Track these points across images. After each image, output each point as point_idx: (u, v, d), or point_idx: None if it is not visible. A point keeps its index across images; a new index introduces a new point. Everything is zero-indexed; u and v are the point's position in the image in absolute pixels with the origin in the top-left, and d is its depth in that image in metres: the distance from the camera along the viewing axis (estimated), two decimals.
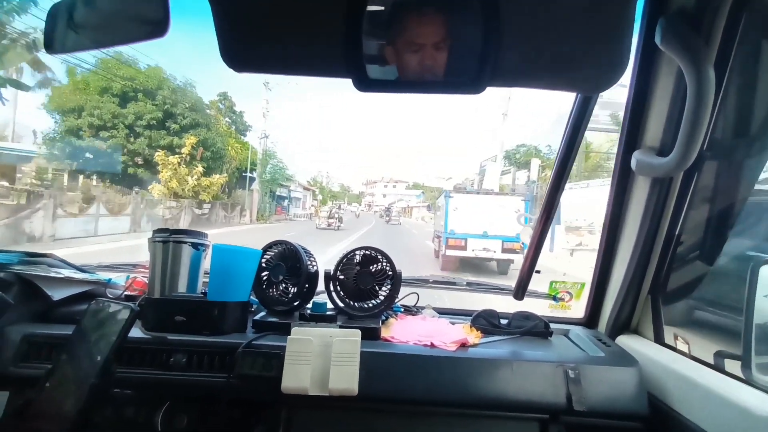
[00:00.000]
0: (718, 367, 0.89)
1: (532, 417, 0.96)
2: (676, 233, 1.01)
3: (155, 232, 1.10)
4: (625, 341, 1.12)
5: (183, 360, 0.97)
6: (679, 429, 0.87)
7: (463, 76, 0.60)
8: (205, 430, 0.97)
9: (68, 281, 1.13)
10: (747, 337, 0.86)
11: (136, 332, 0.98)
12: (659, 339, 1.07)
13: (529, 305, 1.27)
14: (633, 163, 0.99)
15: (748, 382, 0.80)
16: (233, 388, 0.94)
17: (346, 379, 0.91)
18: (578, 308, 1.32)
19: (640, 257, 1.05)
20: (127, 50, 13.13)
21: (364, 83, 0.58)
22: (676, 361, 0.95)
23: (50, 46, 0.77)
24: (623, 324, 1.15)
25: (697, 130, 0.78)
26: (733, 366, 0.87)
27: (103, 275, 1.29)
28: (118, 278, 1.30)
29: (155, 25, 0.66)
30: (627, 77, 1.01)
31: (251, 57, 0.60)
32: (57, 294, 1.09)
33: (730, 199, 0.95)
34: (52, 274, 1.11)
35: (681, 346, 1.03)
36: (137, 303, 0.97)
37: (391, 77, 0.63)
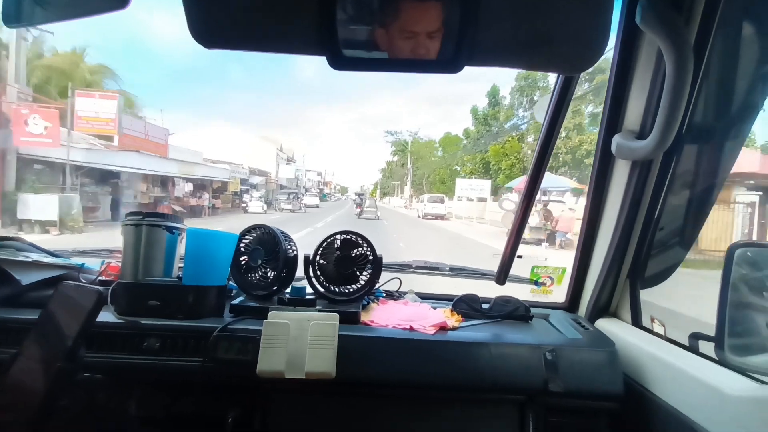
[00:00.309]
0: (693, 349, 0.90)
1: (510, 399, 0.97)
2: (655, 217, 1.01)
3: (128, 215, 1.07)
4: (603, 324, 1.13)
5: (157, 344, 0.95)
6: (653, 409, 0.88)
7: (441, 55, 0.58)
8: (181, 414, 0.96)
9: (38, 265, 1.10)
10: (721, 318, 0.86)
11: (108, 317, 0.96)
12: (636, 322, 1.08)
13: (512, 290, 1.27)
14: (613, 147, 0.99)
15: (722, 362, 0.81)
16: (208, 373, 0.93)
17: (322, 363, 0.90)
18: (561, 293, 1.33)
19: (619, 241, 1.06)
20: None
21: (339, 62, 0.56)
22: (651, 343, 0.96)
23: (9, 20, 0.74)
24: (602, 308, 1.16)
25: (676, 112, 0.78)
26: (708, 347, 0.88)
27: (78, 260, 1.25)
28: (94, 264, 1.27)
29: None
30: (609, 59, 1.00)
31: (221, 33, 0.57)
32: (26, 278, 1.06)
33: (708, 182, 0.95)
34: (21, 258, 1.08)
35: (657, 328, 1.04)
36: (110, 288, 0.95)
37: (366, 56, 0.61)
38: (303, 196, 26.33)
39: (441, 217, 18.81)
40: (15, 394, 0.79)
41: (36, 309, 0.98)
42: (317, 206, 25.18)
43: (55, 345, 0.80)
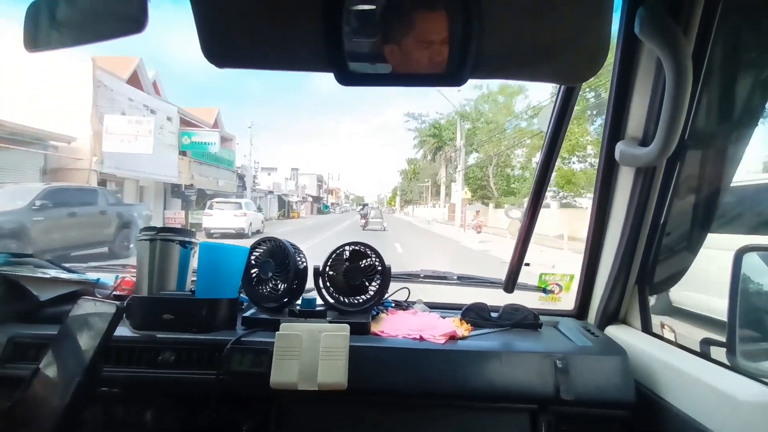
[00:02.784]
0: (704, 355, 0.90)
1: (522, 407, 0.97)
2: (661, 222, 1.02)
3: (142, 230, 1.10)
4: (613, 331, 1.12)
5: (172, 358, 0.97)
6: (665, 416, 0.87)
7: (446, 69, 0.60)
8: (196, 427, 0.97)
9: (55, 281, 1.12)
10: (731, 323, 0.86)
11: (124, 331, 0.98)
12: (646, 328, 1.08)
13: (520, 298, 1.28)
14: (617, 154, 1.00)
15: (734, 368, 0.81)
16: (223, 385, 0.94)
17: (334, 374, 0.91)
18: (569, 300, 1.33)
19: (626, 248, 1.06)
20: None
21: (346, 77, 0.57)
22: (662, 350, 0.96)
23: (30, 44, 0.77)
24: (611, 314, 1.16)
25: (677, 119, 0.79)
26: (719, 353, 0.88)
27: (93, 275, 1.28)
28: (108, 278, 1.29)
29: (133, 21, 0.66)
30: (610, 68, 1.02)
31: (232, 52, 0.59)
32: (44, 294, 1.09)
33: (713, 187, 0.96)
34: (39, 275, 1.11)
35: (668, 334, 1.04)
36: (125, 302, 0.97)
37: (374, 71, 0.62)
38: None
39: None
40: (36, 408, 0.81)
41: (53, 324, 1.00)
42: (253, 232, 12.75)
43: (74, 360, 0.82)
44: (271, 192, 27.06)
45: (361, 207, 25.76)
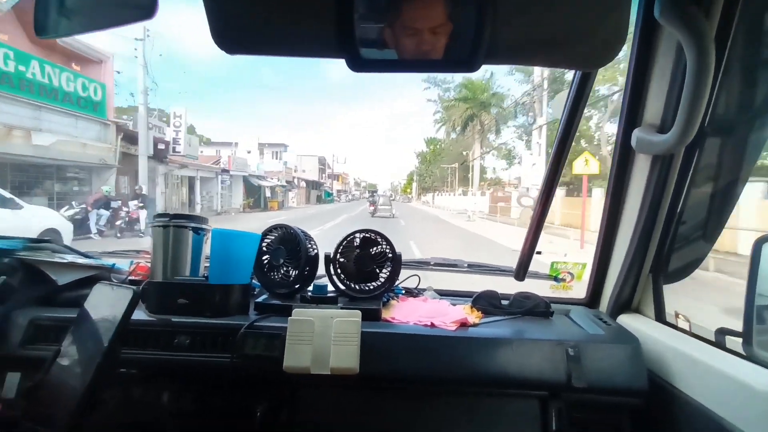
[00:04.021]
0: (719, 344, 0.89)
1: (533, 394, 0.97)
2: (677, 211, 1.00)
3: (156, 216, 1.11)
4: (626, 320, 1.12)
5: (187, 341, 0.99)
6: (678, 404, 0.87)
7: (459, 54, 0.59)
8: (211, 408, 0.99)
9: (72, 266, 1.15)
10: (748, 312, 0.85)
11: (140, 315, 1.00)
12: (660, 317, 1.07)
13: (531, 286, 1.27)
14: (633, 141, 0.98)
15: (749, 357, 0.80)
16: (237, 368, 0.96)
17: (346, 359, 0.92)
18: (581, 288, 1.32)
19: (641, 236, 1.05)
20: None
21: (358, 63, 0.57)
22: (676, 339, 0.96)
23: (41, 31, 0.77)
24: (624, 303, 1.15)
25: (698, 106, 0.77)
26: (735, 343, 0.87)
27: (108, 261, 1.31)
28: (123, 264, 1.32)
29: (143, 8, 0.66)
30: (627, 53, 0.99)
31: (243, 38, 0.59)
32: (62, 279, 1.11)
33: (732, 177, 0.93)
34: (56, 260, 1.13)
35: (682, 323, 1.03)
36: (141, 286, 0.99)
37: (385, 57, 0.62)
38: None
39: None
40: (57, 388, 0.83)
41: (72, 308, 1.03)
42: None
43: (93, 342, 0.84)
44: (225, 171, 20.10)
45: (369, 194, 24.93)
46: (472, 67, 0.56)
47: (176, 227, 1.09)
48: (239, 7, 0.56)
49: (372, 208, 18.74)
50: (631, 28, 0.96)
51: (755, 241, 0.87)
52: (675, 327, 1.02)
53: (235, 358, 0.96)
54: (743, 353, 0.82)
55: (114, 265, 1.28)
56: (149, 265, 1.22)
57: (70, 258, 1.17)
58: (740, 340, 0.85)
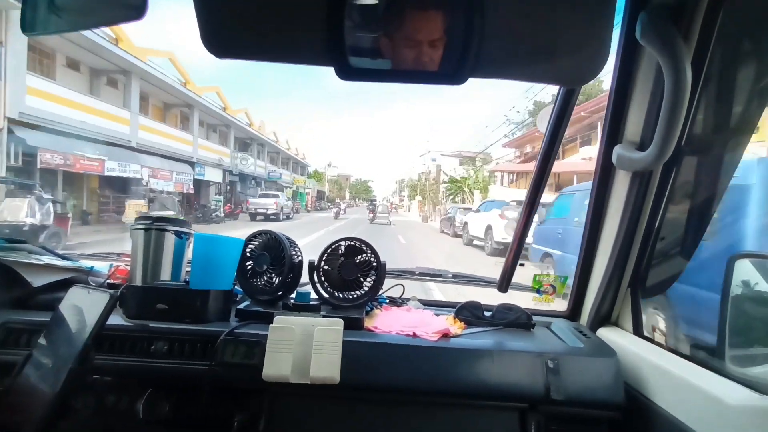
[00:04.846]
0: (694, 358, 0.91)
1: (512, 406, 0.98)
2: (655, 227, 1.02)
3: (137, 219, 1.09)
4: (605, 333, 1.13)
5: (165, 347, 0.97)
6: (653, 418, 0.88)
7: (446, 67, 0.60)
8: (187, 417, 0.97)
9: (49, 268, 1.12)
10: (722, 329, 0.88)
11: (117, 320, 0.97)
12: (638, 331, 1.09)
13: (514, 298, 1.28)
14: (614, 157, 1.00)
15: (722, 372, 0.82)
16: (215, 376, 0.94)
17: (327, 368, 0.91)
18: (562, 301, 1.34)
19: (620, 251, 1.07)
20: None
21: (346, 71, 0.57)
22: (652, 353, 0.97)
23: (27, 27, 0.76)
24: (604, 317, 1.17)
25: (674, 125, 0.79)
26: (710, 358, 0.89)
27: (87, 263, 1.28)
28: (102, 267, 1.29)
29: (133, 8, 0.65)
30: (610, 72, 1.02)
31: (232, 42, 0.59)
32: (37, 281, 1.08)
33: (708, 193, 0.96)
34: (32, 261, 1.10)
35: (659, 338, 1.05)
36: (119, 291, 0.97)
37: (374, 66, 0.62)
38: None
39: None
40: (27, 394, 0.81)
41: (46, 311, 1.00)
42: None
43: (66, 347, 0.82)
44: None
45: (369, 203, 25.50)
46: (458, 80, 0.57)
47: (158, 230, 1.07)
48: (230, 11, 0.56)
49: (371, 215, 20.43)
50: (614, 48, 0.99)
51: (729, 258, 0.90)
52: (652, 341, 1.04)
53: (214, 365, 0.94)
54: (717, 368, 0.84)
55: (92, 267, 1.25)
56: (129, 268, 1.20)
57: (46, 259, 1.14)
58: (714, 354, 0.87)
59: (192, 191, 16.64)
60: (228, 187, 22.30)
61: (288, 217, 19.29)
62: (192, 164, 16.82)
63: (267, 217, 17.36)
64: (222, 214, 16.08)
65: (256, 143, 25.14)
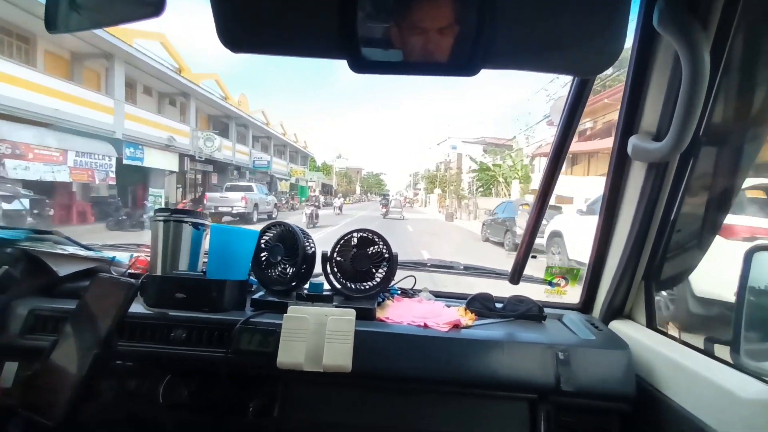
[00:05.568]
0: (707, 352, 0.90)
1: (522, 396, 0.98)
2: (671, 219, 1.01)
3: (156, 211, 1.13)
4: (617, 326, 1.13)
5: (183, 335, 1.00)
6: (665, 411, 0.88)
7: (459, 59, 0.60)
8: (205, 402, 1.01)
9: (73, 258, 1.16)
10: (737, 322, 0.86)
11: (138, 308, 1.01)
12: (651, 324, 1.08)
13: (526, 290, 1.28)
14: (629, 148, 0.99)
15: (736, 366, 0.81)
16: (231, 363, 0.98)
17: (339, 356, 0.94)
18: (575, 293, 1.33)
19: (634, 243, 1.06)
20: None
21: (359, 64, 0.58)
22: (665, 346, 0.96)
23: (51, 25, 0.78)
24: (617, 309, 1.16)
25: (692, 115, 0.78)
26: (724, 351, 0.88)
27: (109, 254, 1.32)
28: (123, 257, 1.33)
29: (151, 5, 0.67)
30: (626, 61, 1.00)
31: (247, 37, 0.60)
32: (62, 270, 1.13)
33: (725, 185, 0.94)
34: (58, 251, 1.15)
35: (672, 331, 1.04)
36: (140, 280, 1.01)
37: (386, 59, 0.63)
38: None
39: None
40: (55, 377, 0.85)
41: (71, 299, 1.04)
42: None
43: (91, 333, 0.85)
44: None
45: (382, 197, 24.38)
46: (471, 71, 0.57)
47: (176, 222, 1.11)
48: (245, 6, 0.57)
49: (384, 210, 19.56)
50: (631, 36, 0.97)
51: (746, 250, 0.88)
52: (665, 334, 1.03)
53: (230, 353, 0.97)
54: (731, 361, 0.83)
55: (114, 258, 1.30)
56: (148, 258, 1.23)
57: (71, 250, 1.19)
58: (728, 348, 0.86)
59: (114, 181, 11.55)
60: (198, 179, 17.82)
61: (270, 217, 14.19)
62: (117, 143, 11.53)
63: (233, 218, 13.15)
64: None
65: (234, 122, 19.58)
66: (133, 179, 12.88)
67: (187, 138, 15.18)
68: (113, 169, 11.40)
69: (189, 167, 15.73)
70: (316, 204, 15.16)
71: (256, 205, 14.10)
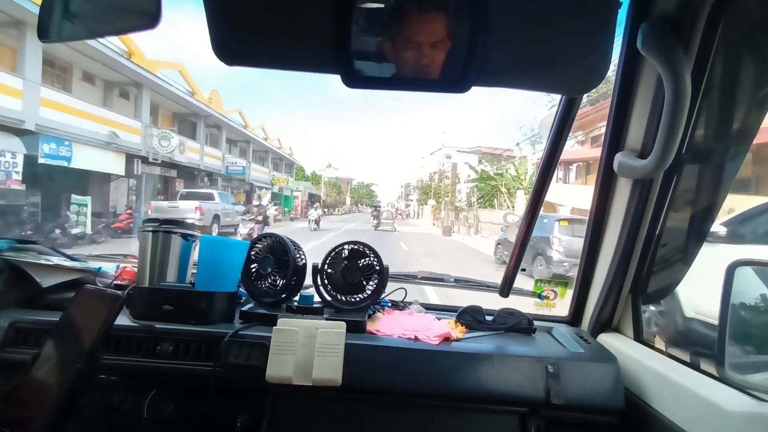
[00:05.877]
0: (694, 365, 0.92)
1: (512, 410, 0.98)
2: (656, 234, 1.03)
3: (145, 221, 1.11)
4: (605, 339, 1.14)
5: (170, 348, 0.99)
6: (653, 423, 0.89)
7: (450, 75, 0.61)
8: (191, 417, 0.98)
9: (58, 269, 1.14)
10: (721, 335, 0.88)
11: (124, 320, 0.99)
12: (638, 337, 1.10)
13: (515, 303, 1.29)
14: (615, 165, 1.02)
15: (722, 379, 0.83)
16: (219, 377, 0.96)
17: (329, 370, 0.93)
18: (564, 307, 1.35)
19: (621, 257, 1.08)
20: None
21: (352, 79, 0.58)
22: (653, 359, 0.98)
23: (44, 35, 0.78)
24: (605, 322, 1.18)
25: (674, 134, 0.81)
26: (710, 364, 0.89)
27: (94, 264, 1.30)
28: (110, 268, 1.31)
29: (147, 17, 0.67)
30: (612, 81, 1.04)
31: (242, 51, 0.60)
32: (46, 281, 1.10)
33: (708, 201, 0.97)
34: (42, 261, 1.12)
35: (659, 344, 1.06)
36: (126, 292, 0.99)
37: (379, 74, 0.64)
38: None
39: None
40: (36, 392, 0.82)
41: (55, 311, 1.02)
42: None
43: (74, 346, 0.83)
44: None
45: (373, 209, 23.71)
46: (462, 88, 0.58)
47: (165, 233, 1.09)
48: (240, 20, 0.57)
49: (375, 221, 18.68)
50: (616, 58, 1.01)
51: (729, 265, 0.91)
52: (652, 347, 1.04)
53: (218, 366, 0.96)
54: (716, 374, 0.84)
55: (100, 269, 1.27)
56: (135, 269, 1.22)
57: (55, 260, 1.16)
58: (713, 361, 0.87)
59: (19, 185, 8.81)
60: (160, 185, 15.21)
61: (236, 230, 11.48)
62: (29, 136, 9.08)
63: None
64: (88, 231, 9.23)
65: (204, 122, 17.07)
66: (62, 184, 9.95)
67: (139, 136, 12.72)
68: (19, 169, 8.71)
69: (141, 171, 13.13)
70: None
71: (216, 217, 12.31)
